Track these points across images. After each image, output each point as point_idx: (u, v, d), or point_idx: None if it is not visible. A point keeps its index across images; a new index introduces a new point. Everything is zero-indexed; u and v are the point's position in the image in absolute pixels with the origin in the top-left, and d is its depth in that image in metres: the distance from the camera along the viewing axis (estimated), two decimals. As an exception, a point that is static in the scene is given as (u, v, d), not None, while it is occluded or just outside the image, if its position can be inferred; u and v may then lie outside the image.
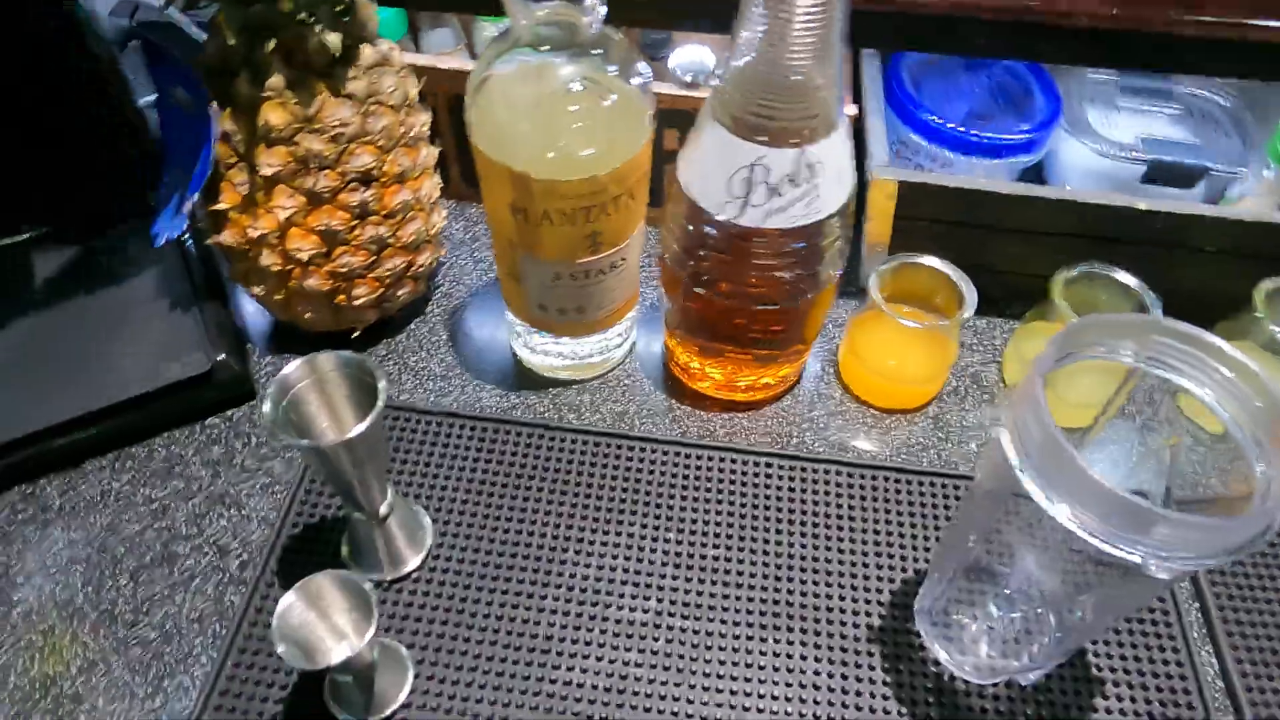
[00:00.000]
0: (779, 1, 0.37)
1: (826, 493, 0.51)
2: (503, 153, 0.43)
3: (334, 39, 0.44)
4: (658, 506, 0.50)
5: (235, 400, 0.54)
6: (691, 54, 0.56)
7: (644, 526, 0.49)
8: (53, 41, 0.50)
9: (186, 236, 0.56)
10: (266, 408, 0.37)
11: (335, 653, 0.38)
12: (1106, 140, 0.61)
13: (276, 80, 0.45)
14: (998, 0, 0.48)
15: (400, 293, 0.55)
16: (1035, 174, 0.65)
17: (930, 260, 0.52)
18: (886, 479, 0.52)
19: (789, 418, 0.55)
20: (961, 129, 0.59)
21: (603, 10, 0.40)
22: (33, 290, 0.54)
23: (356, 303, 0.52)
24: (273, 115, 0.45)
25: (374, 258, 0.51)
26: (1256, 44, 0.49)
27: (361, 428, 0.37)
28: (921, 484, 0.51)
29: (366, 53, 0.47)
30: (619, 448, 0.53)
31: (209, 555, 0.48)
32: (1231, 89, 0.64)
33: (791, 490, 0.51)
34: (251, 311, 0.58)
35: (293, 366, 0.39)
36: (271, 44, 0.44)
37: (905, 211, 0.55)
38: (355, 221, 0.49)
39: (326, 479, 0.41)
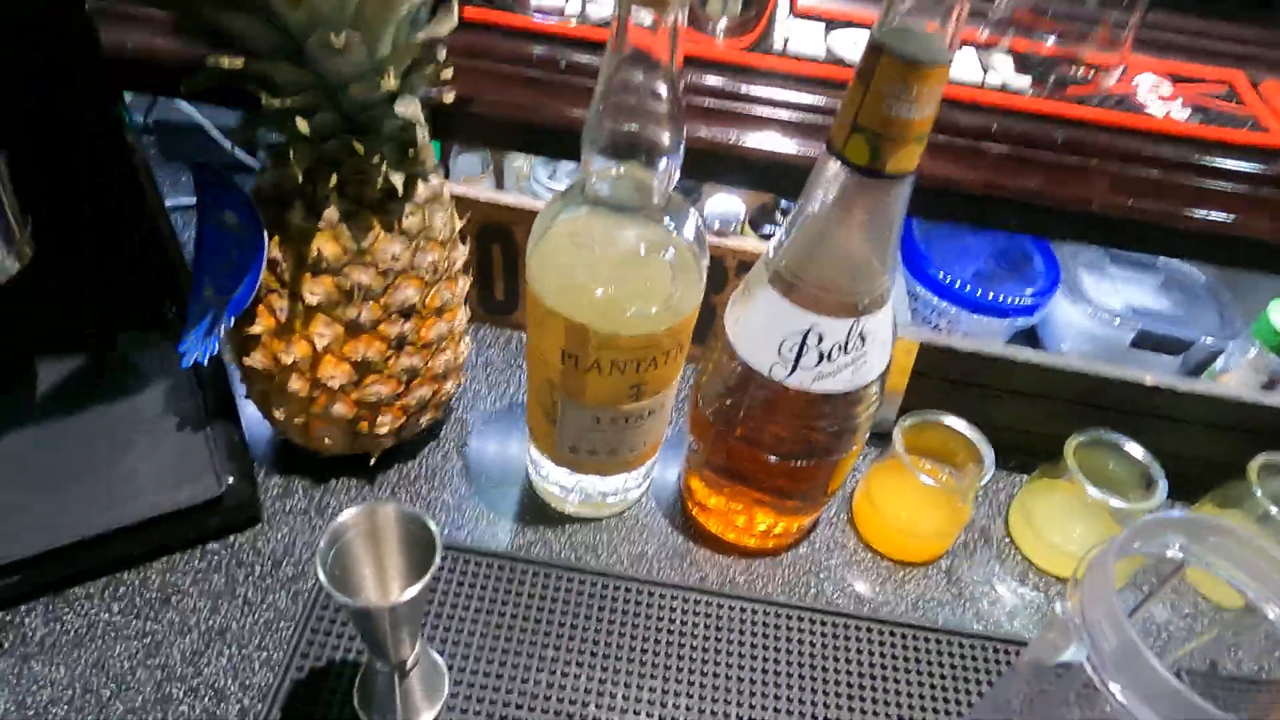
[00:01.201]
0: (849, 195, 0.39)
1: (847, 649, 0.51)
2: (563, 302, 0.43)
3: (398, 177, 0.44)
4: (679, 658, 0.49)
5: (240, 525, 0.52)
6: (723, 203, 0.58)
7: (665, 679, 0.48)
8: (94, 134, 0.48)
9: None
10: (320, 566, 0.35)
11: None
12: (1099, 306, 0.64)
13: (332, 213, 0.44)
14: (1025, 184, 0.52)
15: (422, 420, 0.54)
16: (1029, 332, 0.68)
17: (953, 421, 0.54)
18: (904, 635, 0.52)
19: (806, 565, 0.55)
20: (970, 289, 0.62)
21: (676, 176, 0.41)
22: (32, 403, 0.51)
23: (379, 430, 0.51)
24: (325, 247, 0.45)
25: (403, 387, 0.50)
26: (1249, 239, 0.53)
27: (415, 591, 0.35)
28: (939, 642, 0.52)
29: (421, 188, 0.47)
30: (639, 592, 0.52)
31: (205, 699, 0.45)
32: (1211, 267, 0.69)
33: (813, 645, 0.50)
34: (257, 429, 0.56)
35: (348, 515, 0.37)
36: (333, 179, 0.44)
37: (923, 367, 0.57)
38: (391, 352, 0.48)
39: (362, 634, 0.39)
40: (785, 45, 0.58)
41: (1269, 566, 0.35)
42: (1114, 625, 0.32)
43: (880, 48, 0.35)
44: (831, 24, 0.61)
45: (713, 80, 0.56)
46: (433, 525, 0.37)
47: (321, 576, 0.35)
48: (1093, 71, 0.58)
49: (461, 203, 0.58)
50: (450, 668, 0.47)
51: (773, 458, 0.48)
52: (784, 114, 0.56)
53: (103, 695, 0.44)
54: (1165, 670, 0.30)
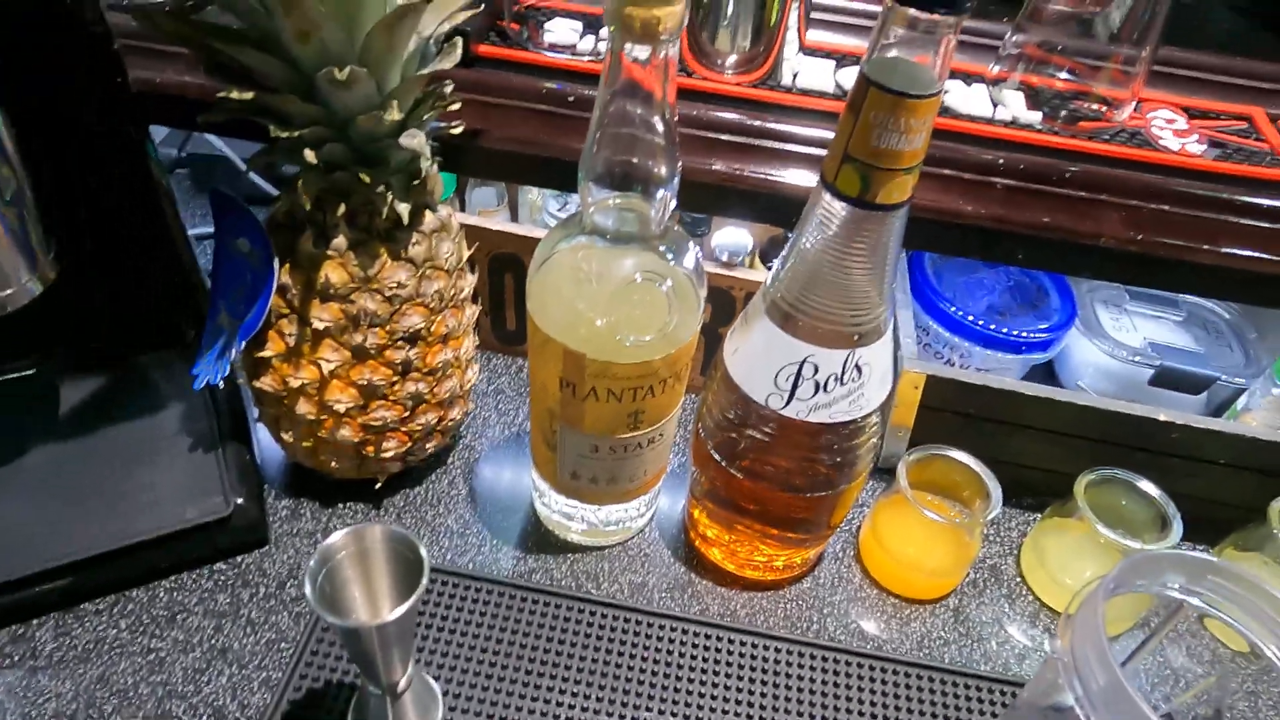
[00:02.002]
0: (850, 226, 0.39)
1: (848, 685, 0.50)
2: (560, 329, 0.43)
3: (403, 207, 0.45)
4: (676, 691, 0.48)
5: (247, 546, 0.53)
6: (731, 235, 0.58)
7: (662, 711, 0.47)
8: (116, 160, 0.50)
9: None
10: (309, 586, 0.36)
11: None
12: (1117, 342, 0.63)
13: (340, 241, 0.46)
14: (1034, 218, 0.51)
15: (428, 446, 0.54)
16: (1045, 368, 0.67)
17: (959, 455, 0.53)
18: (908, 674, 0.51)
19: (810, 600, 0.54)
20: (982, 323, 0.61)
21: (673, 206, 0.42)
22: (51, 419, 0.53)
23: (385, 455, 0.52)
24: (333, 274, 0.46)
25: (408, 412, 0.51)
26: (1271, 275, 0.52)
27: (402, 610, 0.36)
28: (944, 682, 0.50)
29: (428, 218, 0.49)
30: (639, 622, 0.51)
31: (204, 717, 0.45)
32: (1233, 304, 0.67)
33: (814, 681, 0.50)
34: (269, 452, 0.57)
35: (338, 537, 0.38)
36: (341, 208, 0.45)
37: (930, 401, 0.56)
38: (396, 378, 0.49)
39: (352, 654, 0.40)
40: (794, 80, 0.59)
41: (1271, 608, 0.34)
42: (1102, 665, 0.31)
43: (869, 79, 0.35)
44: (841, 59, 0.62)
45: (722, 115, 0.57)
46: (420, 546, 0.38)
47: (310, 596, 0.36)
48: (1105, 106, 0.58)
49: (472, 233, 0.59)
50: (445, 693, 0.47)
51: (773, 489, 0.48)
52: (793, 148, 0.57)
53: (105, 710, 0.45)
54: (1152, 713, 0.29)
